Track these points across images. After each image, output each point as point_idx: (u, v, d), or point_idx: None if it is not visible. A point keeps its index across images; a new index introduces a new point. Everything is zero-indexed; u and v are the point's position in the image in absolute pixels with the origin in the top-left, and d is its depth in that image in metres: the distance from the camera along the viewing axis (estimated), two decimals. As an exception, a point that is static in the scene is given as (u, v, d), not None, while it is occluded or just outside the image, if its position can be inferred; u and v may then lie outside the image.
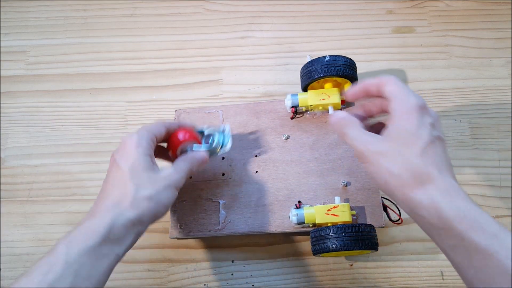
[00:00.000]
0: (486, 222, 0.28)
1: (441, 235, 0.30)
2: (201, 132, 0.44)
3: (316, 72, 0.46)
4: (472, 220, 0.28)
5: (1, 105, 0.56)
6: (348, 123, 0.36)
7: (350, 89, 0.39)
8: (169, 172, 0.37)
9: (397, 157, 0.32)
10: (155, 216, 0.36)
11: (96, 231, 0.32)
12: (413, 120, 0.32)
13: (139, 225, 0.34)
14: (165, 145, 0.43)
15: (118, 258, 0.33)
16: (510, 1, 0.60)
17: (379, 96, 0.36)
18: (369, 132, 0.35)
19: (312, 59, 0.47)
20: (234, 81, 0.57)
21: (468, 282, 0.30)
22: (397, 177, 0.31)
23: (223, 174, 0.46)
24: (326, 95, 0.46)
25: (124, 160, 0.36)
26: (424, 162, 0.31)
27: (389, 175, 0.32)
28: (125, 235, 0.33)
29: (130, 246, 0.34)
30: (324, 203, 0.45)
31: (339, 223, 0.41)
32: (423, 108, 0.33)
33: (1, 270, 0.47)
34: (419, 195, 0.30)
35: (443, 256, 0.46)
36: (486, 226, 0.28)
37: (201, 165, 0.41)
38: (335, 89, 0.47)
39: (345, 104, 0.48)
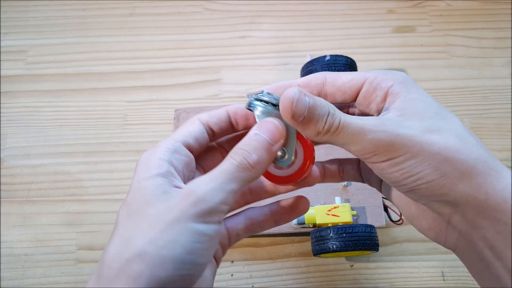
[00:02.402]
0: None
1: None
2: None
3: (316, 72, 0.46)
4: None
5: (0, 105, 0.56)
6: (333, 110, 0.22)
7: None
8: (191, 188, 0.21)
9: (447, 136, 0.21)
10: (169, 283, 0.19)
11: None
12: (423, 92, 0.23)
13: None
14: None
15: None
16: (511, 1, 0.60)
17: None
18: (369, 116, 0.23)
19: (312, 58, 0.47)
20: (234, 80, 0.57)
21: None
22: (460, 163, 0.21)
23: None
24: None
25: (127, 197, 0.22)
26: (476, 139, 0.22)
27: (446, 162, 0.21)
28: None
29: None
30: (324, 204, 0.45)
31: (340, 224, 0.41)
32: None
33: (1, 270, 0.47)
34: (498, 185, 0.21)
35: (444, 256, 0.46)
36: None
37: (271, 149, 0.23)
38: (336, 88, 0.47)
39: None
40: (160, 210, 0.20)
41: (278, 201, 0.27)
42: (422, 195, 0.22)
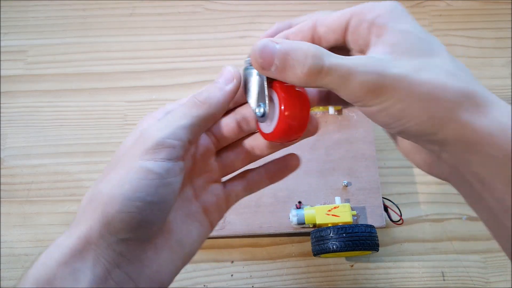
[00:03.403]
0: None
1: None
2: None
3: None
4: None
5: (0, 105, 0.56)
6: (315, 51, 0.21)
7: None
8: (143, 129, 0.23)
9: (435, 74, 0.21)
10: (118, 221, 0.20)
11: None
12: (411, 21, 0.22)
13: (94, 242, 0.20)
14: None
15: None
16: (511, 1, 0.60)
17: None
18: (358, 56, 0.22)
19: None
20: (234, 80, 0.57)
21: None
22: (447, 102, 0.20)
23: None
24: (326, 95, 0.46)
25: None
26: (466, 72, 0.22)
27: (433, 102, 0.20)
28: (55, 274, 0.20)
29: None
30: (324, 204, 0.45)
31: (340, 224, 0.41)
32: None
33: (1, 270, 0.47)
34: (485, 120, 0.20)
35: (444, 256, 0.46)
36: None
37: (223, 88, 0.25)
38: (336, 89, 0.47)
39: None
40: (122, 155, 0.22)
41: (271, 160, 0.29)
42: (411, 135, 0.22)
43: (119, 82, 0.57)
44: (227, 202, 0.28)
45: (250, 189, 0.29)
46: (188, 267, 0.46)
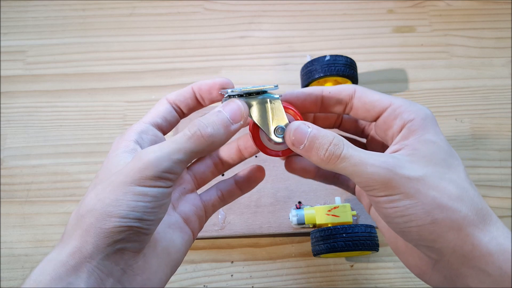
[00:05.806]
0: None
1: None
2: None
3: (316, 72, 0.46)
4: None
5: (0, 105, 0.56)
6: (337, 141, 0.23)
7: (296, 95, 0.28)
8: (140, 155, 0.23)
9: (447, 184, 0.22)
10: (117, 233, 0.21)
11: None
12: (439, 134, 0.24)
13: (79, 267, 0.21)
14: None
15: None
16: (511, 1, 0.60)
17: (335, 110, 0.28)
18: (376, 152, 0.24)
19: (312, 58, 0.47)
20: (234, 81, 0.56)
21: None
22: (451, 212, 0.22)
23: (223, 174, 0.46)
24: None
25: (97, 172, 0.25)
26: (475, 190, 0.23)
27: (438, 209, 0.22)
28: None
29: None
30: (324, 204, 0.45)
31: (340, 224, 0.41)
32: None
33: (1, 270, 0.47)
34: (484, 237, 0.21)
35: (444, 256, 0.46)
36: None
37: (229, 127, 0.24)
38: (336, 89, 0.47)
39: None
40: (113, 175, 0.23)
41: (239, 172, 0.32)
42: (411, 238, 0.23)
43: (118, 82, 0.57)
44: (206, 212, 0.30)
45: (224, 200, 0.31)
46: (188, 267, 0.46)
